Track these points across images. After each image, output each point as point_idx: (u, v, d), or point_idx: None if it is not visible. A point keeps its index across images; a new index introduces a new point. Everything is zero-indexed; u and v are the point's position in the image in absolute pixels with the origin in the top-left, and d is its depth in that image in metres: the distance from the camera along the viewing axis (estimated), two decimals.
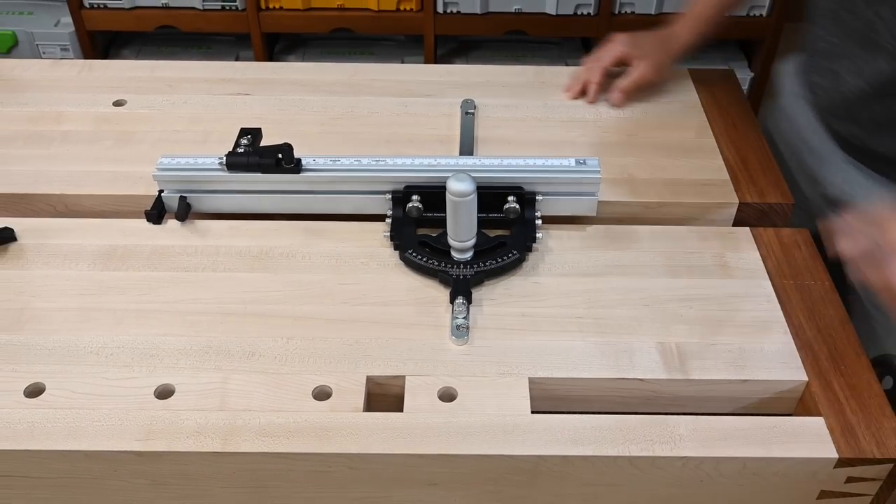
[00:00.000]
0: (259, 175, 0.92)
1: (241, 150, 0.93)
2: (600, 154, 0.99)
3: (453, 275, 0.87)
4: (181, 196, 0.94)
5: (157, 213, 0.94)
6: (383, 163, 0.93)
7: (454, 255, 0.88)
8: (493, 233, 0.92)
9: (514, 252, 0.89)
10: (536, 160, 0.93)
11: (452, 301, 0.84)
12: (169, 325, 0.82)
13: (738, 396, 0.80)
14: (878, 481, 0.74)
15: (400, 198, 0.93)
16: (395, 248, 0.91)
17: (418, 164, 0.92)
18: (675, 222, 0.97)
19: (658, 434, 0.73)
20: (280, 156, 0.91)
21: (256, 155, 0.92)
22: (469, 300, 0.84)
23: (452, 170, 0.90)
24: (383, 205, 0.94)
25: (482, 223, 0.89)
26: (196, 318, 0.83)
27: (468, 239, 0.86)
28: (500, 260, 0.88)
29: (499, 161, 0.92)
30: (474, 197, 0.83)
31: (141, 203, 0.97)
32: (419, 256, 0.88)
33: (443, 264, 0.87)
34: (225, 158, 0.92)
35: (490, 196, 0.90)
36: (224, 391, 0.76)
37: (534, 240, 0.91)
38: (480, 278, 0.87)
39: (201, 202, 0.95)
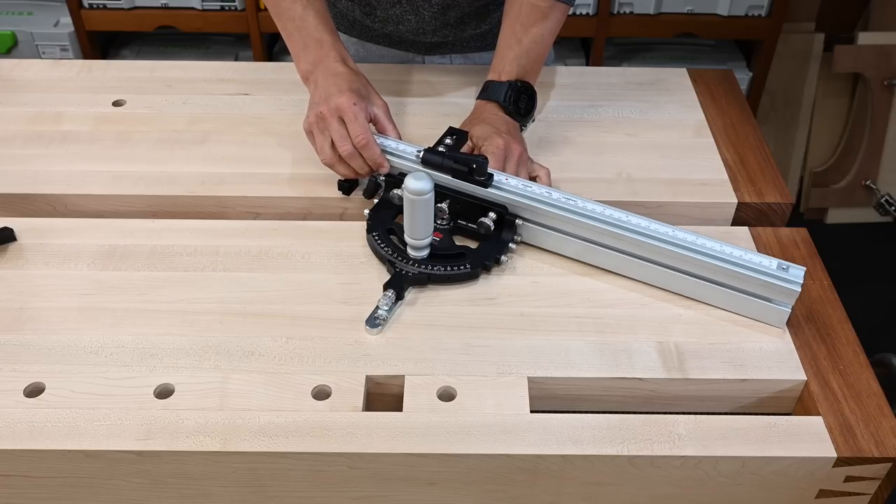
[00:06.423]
0: (445, 177, 0.92)
1: (441, 150, 0.93)
2: (600, 154, 0.99)
3: (398, 268, 0.87)
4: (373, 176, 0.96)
5: (348, 185, 0.97)
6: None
7: (409, 251, 0.88)
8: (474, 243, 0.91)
9: (467, 266, 0.87)
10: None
11: (384, 290, 0.84)
12: (169, 325, 0.83)
13: (737, 396, 0.80)
14: (877, 480, 0.74)
15: (392, 182, 0.93)
16: (366, 229, 0.91)
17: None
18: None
19: (657, 433, 0.73)
20: (474, 166, 0.89)
21: (451, 159, 0.91)
22: (399, 297, 0.84)
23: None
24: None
25: (460, 230, 0.90)
26: (196, 317, 0.83)
27: (422, 238, 0.86)
28: (449, 269, 0.87)
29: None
30: (431, 196, 0.82)
31: (141, 203, 0.97)
32: (379, 241, 0.89)
33: (395, 255, 0.87)
34: (422, 153, 0.92)
35: (477, 209, 0.90)
36: (223, 391, 0.76)
37: (497, 262, 0.89)
38: (422, 280, 0.87)
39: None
